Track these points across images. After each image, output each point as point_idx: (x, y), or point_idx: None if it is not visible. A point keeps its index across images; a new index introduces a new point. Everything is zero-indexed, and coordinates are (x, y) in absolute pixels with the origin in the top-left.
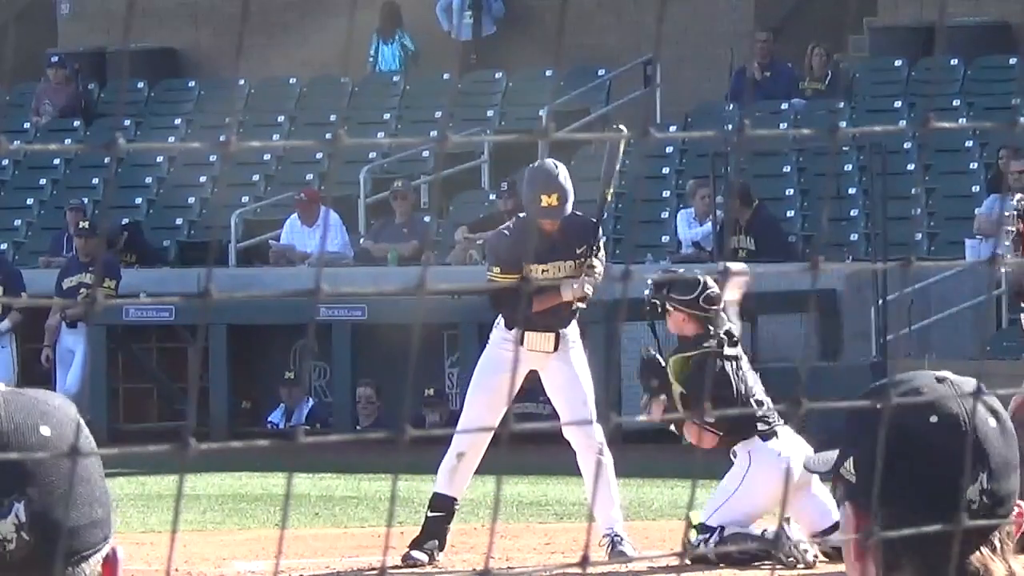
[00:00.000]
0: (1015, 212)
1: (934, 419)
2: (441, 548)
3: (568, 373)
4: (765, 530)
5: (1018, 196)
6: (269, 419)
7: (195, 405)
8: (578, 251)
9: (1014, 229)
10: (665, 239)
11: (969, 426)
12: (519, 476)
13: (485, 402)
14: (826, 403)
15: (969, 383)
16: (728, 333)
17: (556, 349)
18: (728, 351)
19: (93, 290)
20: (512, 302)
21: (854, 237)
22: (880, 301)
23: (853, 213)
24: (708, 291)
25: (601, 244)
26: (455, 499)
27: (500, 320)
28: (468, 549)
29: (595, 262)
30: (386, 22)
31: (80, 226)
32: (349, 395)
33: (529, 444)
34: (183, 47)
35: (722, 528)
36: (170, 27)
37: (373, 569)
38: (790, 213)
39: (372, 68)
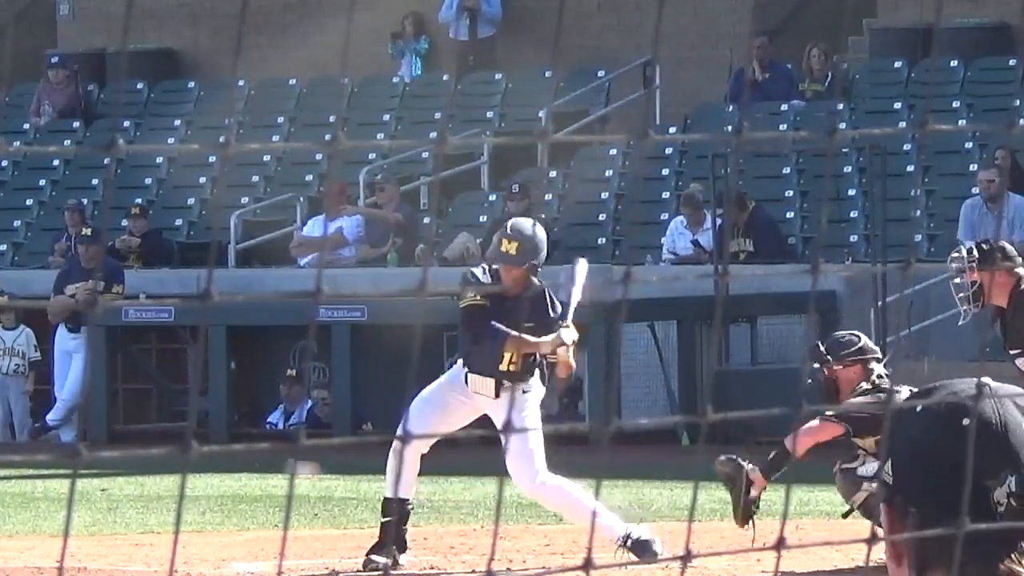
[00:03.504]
0: (965, 264)
1: (966, 421)
2: (402, 551)
3: (515, 421)
4: None
5: (967, 246)
6: (268, 420)
7: (195, 407)
8: (526, 324)
9: (966, 281)
10: (664, 240)
11: (1000, 428)
12: None
13: (429, 410)
14: (826, 405)
15: (1010, 389)
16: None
17: (497, 396)
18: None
19: (93, 293)
20: (479, 326)
21: (854, 239)
22: (880, 303)
23: (853, 215)
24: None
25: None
26: (406, 500)
27: (459, 360)
28: (468, 550)
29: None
30: (409, 29)
31: (82, 233)
32: (349, 396)
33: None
34: (182, 48)
35: None
36: (169, 28)
37: (373, 570)
38: (790, 214)
39: (407, 75)
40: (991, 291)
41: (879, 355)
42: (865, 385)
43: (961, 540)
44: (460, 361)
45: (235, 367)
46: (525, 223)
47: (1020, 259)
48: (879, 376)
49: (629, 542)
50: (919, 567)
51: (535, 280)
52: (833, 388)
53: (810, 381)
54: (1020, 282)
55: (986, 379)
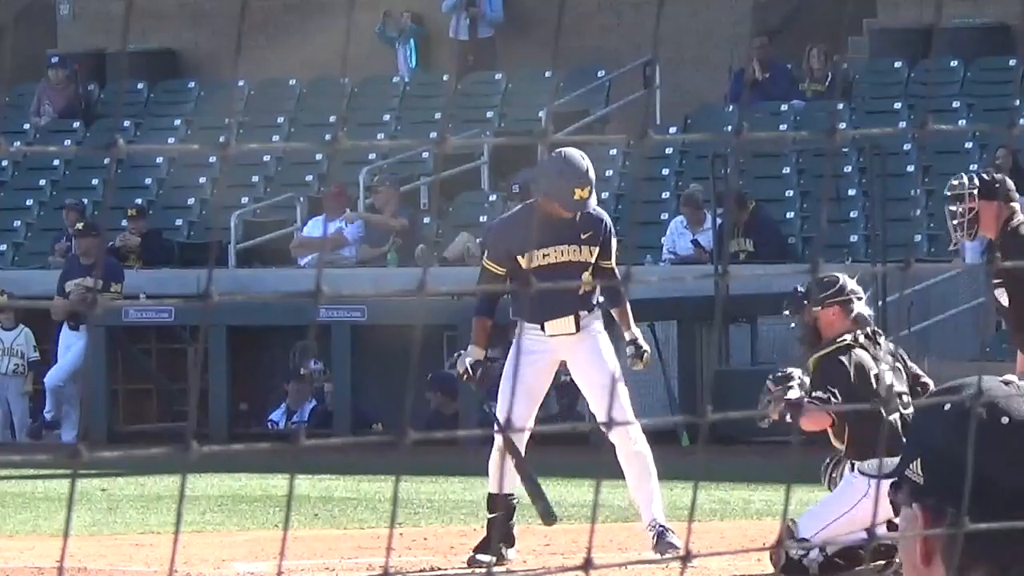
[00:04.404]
0: (965, 190)
1: (1005, 420)
2: (509, 545)
3: (597, 362)
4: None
5: (969, 174)
6: (270, 418)
7: (195, 407)
8: (583, 236)
9: (963, 209)
10: (664, 240)
11: None
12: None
13: (516, 394)
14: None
15: None
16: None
17: (579, 330)
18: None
19: (93, 293)
20: (487, 293)
21: (854, 239)
22: (880, 302)
23: (853, 214)
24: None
25: (613, 251)
26: (510, 495)
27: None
28: (468, 550)
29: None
30: (405, 19)
31: (77, 226)
32: (349, 396)
33: (528, 445)
34: (183, 48)
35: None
36: (170, 28)
37: (371, 570)
38: (790, 214)
39: (403, 67)
40: (984, 221)
41: (860, 295)
42: (848, 333)
43: (1006, 539)
44: (518, 326)
45: (235, 366)
46: (580, 160)
47: (1017, 194)
48: (861, 319)
49: (661, 529)
50: (960, 566)
51: None
52: (814, 331)
53: (793, 326)
54: (1013, 216)
55: (1011, 376)
